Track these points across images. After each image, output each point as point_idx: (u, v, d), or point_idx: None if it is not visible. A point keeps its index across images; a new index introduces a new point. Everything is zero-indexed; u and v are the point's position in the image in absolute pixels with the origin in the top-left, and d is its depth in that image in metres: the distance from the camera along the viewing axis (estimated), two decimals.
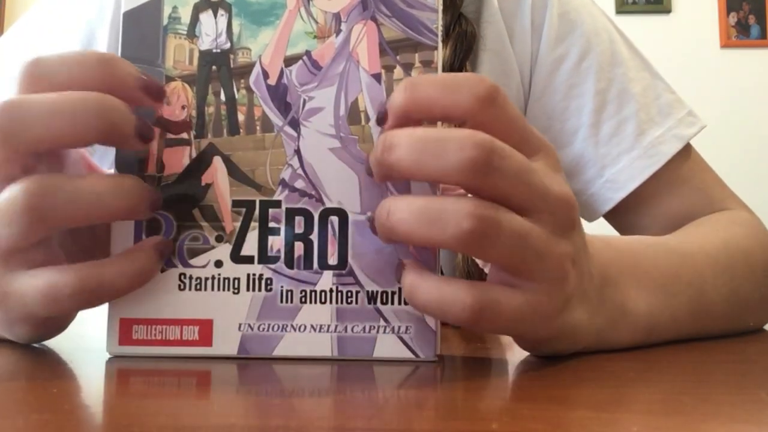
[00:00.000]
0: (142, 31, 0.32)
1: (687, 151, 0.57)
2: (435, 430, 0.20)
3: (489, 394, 0.26)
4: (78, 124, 0.27)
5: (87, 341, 0.37)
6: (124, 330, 0.31)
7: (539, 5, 0.59)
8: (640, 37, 0.71)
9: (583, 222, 0.67)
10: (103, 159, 0.46)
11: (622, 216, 0.58)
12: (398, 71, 0.32)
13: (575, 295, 0.30)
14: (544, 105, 0.59)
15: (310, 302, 0.31)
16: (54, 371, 0.30)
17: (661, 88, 0.59)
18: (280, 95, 0.32)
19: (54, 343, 0.34)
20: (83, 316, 0.33)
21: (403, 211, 0.27)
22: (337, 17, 0.32)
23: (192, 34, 0.32)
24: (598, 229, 0.58)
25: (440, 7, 0.32)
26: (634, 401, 0.25)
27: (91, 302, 0.29)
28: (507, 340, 0.39)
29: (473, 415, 0.22)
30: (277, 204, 0.31)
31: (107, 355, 0.31)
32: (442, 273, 0.32)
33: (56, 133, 0.27)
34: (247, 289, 0.31)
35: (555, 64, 0.58)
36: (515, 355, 0.34)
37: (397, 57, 0.32)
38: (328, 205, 0.31)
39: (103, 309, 0.31)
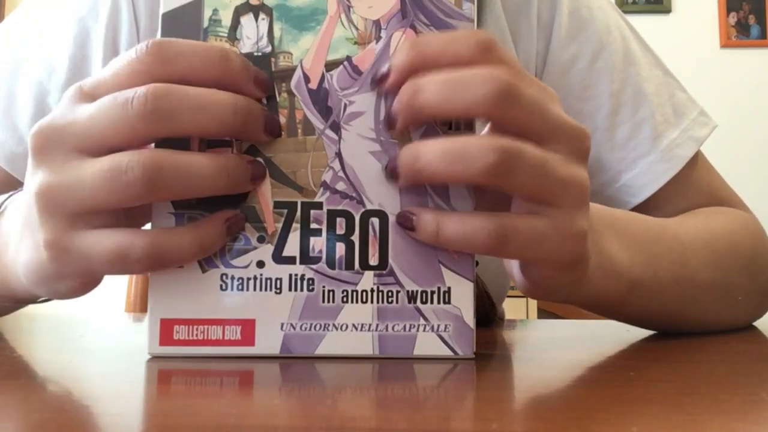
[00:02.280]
0: (181, 32, 0.32)
1: (697, 152, 0.57)
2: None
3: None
4: (221, 121, 0.29)
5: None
6: (165, 330, 0.32)
7: (547, 3, 0.58)
8: None
9: None
10: None
11: None
12: None
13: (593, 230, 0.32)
14: None
15: (352, 302, 0.32)
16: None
17: (674, 86, 0.59)
18: (321, 99, 0.32)
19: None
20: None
21: (429, 153, 0.29)
22: (377, 24, 0.33)
23: (233, 36, 0.33)
24: None
25: (475, 17, 0.33)
26: (634, 401, 0.25)
27: (156, 267, 0.30)
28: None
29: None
30: (319, 205, 0.32)
31: (147, 356, 0.32)
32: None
33: (201, 126, 0.29)
34: (290, 289, 0.32)
35: (567, 65, 0.57)
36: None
37: None
38: (369, 207, 0.32)
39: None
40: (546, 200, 0.30)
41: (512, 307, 2.21)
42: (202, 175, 0.29)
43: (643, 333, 0.44)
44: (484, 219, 0.29)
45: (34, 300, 0.37)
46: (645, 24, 2.55)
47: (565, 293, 0.34)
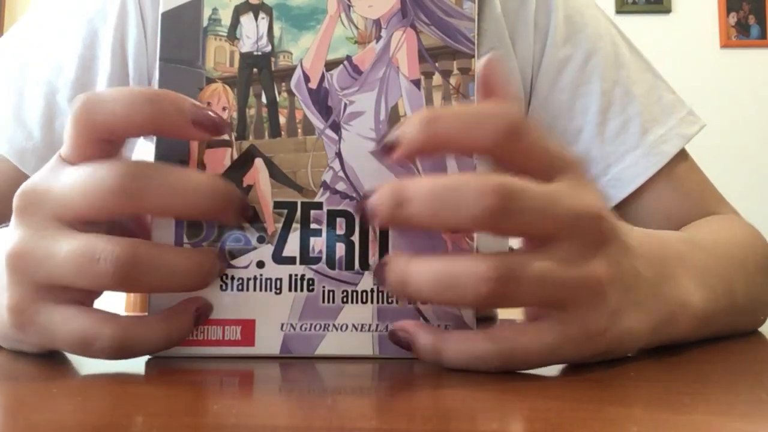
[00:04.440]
0: (181, 31, 0.32)
1: (684, 152, 0.60)
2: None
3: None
4: (195, 205, 0.28)
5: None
6: None
7: (543, 9, 0.61)
8: (640, 37, 0.72)
9: None
10: None
11: (622, 214, 0.60)
12: (437, 78, 0.32)
13: (622, 307, 0.29)
14: (550, 104, 0.61)
15: (352, 302, 0.32)
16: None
17: (663, 89, 0.62)
18: (321, 99, 0.32)
19: None
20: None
21: (419, 276, 0.27)
22: (377, 24, 0.33)
23: (233, 36, 0.33)
24: None
25: (476, 16, 0.33)
26: (634, 401, 0.25)
27: (121, 357, 0.29)
28: None
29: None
30: (319, 206, 0.32)
31: (146, 356, 0.31)
32: None
33: (174, 209, 0.28)
34: (290, 290, 0.31)
35: (561, 65, 0.60)
36: None
37: (436, 64, 0.32)
38: None
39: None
40: (555, 309, 0.28)
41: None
42: (177, 274, 0.28)
43: None
44: (487, 340, 0.28)
45: None
46: (645, 24, 2.56)
47: (615, 356, 0.32)
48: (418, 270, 0.27)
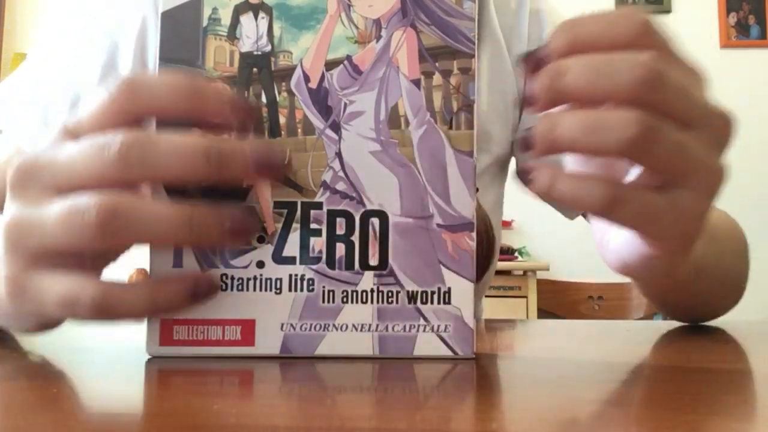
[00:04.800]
0: (181, 31, 0.32)
1: None
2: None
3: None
4: (194, 167, 0.28)
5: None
6: (164, 330, 0.31)
7: (535, 25, 0.69)
8: None
9: (581, 219, 0.69)
10: None
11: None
12: (437, 77, 0.32)
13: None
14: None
15: (352, 302, 0.32)
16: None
17: None
18: (321, 99, 0.32)
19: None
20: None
21: (567, 122, 0.28)
22: (377, 23, 0.33)
23: (232, 35, 0.33)
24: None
25: (476, 16, 0.33)
26: (634, 401, 0.25)
27: (104, 318, 0.29)
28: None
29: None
30: (319, 206, 0.32)
31: (146, 356, 0.32)
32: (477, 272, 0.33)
33: (174, 173, 0.28)
34: (290, 290, 0.31)
35: None
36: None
37: (436, 63, 0.32)
38: (369, 207, 0.32)
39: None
40: (677, 181, 0.29)
41: (512, 307, 2.21)
42: (160, 225, 0.27)
43: (642, 333, 0.44)
44: (603, 181, 0.28)
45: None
46: None
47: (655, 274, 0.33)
48: (567, 114, 0.28)
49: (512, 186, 0.75)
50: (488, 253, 0.62)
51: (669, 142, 0.28)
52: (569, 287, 2.07)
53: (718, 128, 0.30)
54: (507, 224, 2.51)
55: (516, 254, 2.45)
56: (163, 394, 0.26)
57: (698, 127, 0.29)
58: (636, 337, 0.43)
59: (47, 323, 0.32)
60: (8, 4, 2.54)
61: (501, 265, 2.10)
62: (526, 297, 2.21)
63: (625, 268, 0.34)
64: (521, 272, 2.25)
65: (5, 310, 0.31)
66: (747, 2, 2.53)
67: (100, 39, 0.64)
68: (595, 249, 0.64)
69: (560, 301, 2.10)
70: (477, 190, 0.33)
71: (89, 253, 0.30)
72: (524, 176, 0.29)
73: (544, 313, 2.12)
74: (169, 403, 0.24)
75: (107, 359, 0.34)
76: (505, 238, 2.42)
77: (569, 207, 0.30)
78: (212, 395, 0.25)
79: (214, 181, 0.28)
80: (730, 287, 0.50)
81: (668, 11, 2.55)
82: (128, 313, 0.29)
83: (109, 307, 0.28)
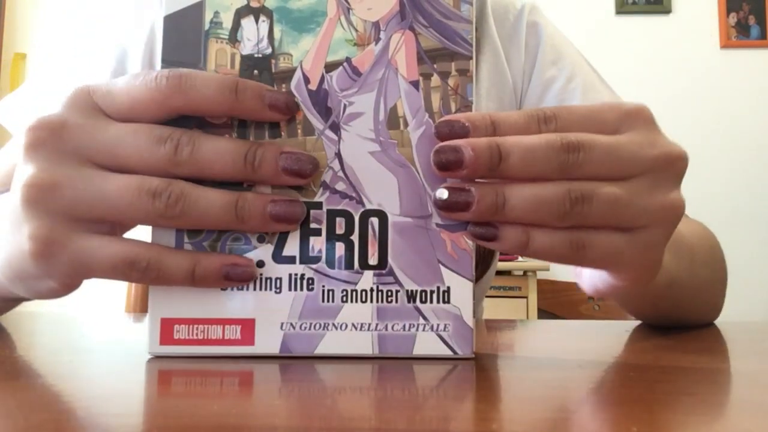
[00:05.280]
0: (183, 34, 0.33)
1: None
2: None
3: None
4: (228, 98, 0.30)
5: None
6: (165, 330, 0.32)
7: (533, 36, 0.72)
8: (640, 37, 0.77)
9: None
10: None
11: None
12: (435, 79, 0.33)
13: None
14: None
15: (351, 301, 0.32)
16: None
17: None
18: (320, 100, 0.33)
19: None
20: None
21: (515, 198, 0.30)
22: (376, 26, 0.33)
23: (233, 38, 0.33)
24: None
25: (474, 19, 0.33)
26: (634, 401, 0.25)
27: (153, 281, 0.31)
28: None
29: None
30: (319, 205, 0.32)
31: (147, 356, 0.32)
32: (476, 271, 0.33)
33: (212, 104, 0.31)
34: (289, 289, 0.32)
35: (547, 83, 0.70)
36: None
37: (435, 65, 0.33)
38: (368, 207, 0.32)
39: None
40: (628, 227, 0.32)
41: (512, 307, 2.21)
42: (212, 209, 0.30)
43: (642, 333, 0.44)
44: (564, 232, 0.31)
45: (12, 299, 0.38)
46: (645, 24, 2.56)
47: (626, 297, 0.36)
48: (514, 191, 0.30)
49: None
50: (489, 253, 0.63)
51: (602, 200, 0.30)
52: (569, 287, 2.06)
53: (663, 169, 0.32)
54: None
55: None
56: (164, 394, 0.27)
57: (638, 175, 0.31)
58: (636, 337, 0.43)
59: (72, 284, 0.32)
60: (8, 4, 2.54)
61: (501, 265, 2.10)
62: (526, 297, 2.21)
63: (598, 293, 0.36)
64: (521, 272, 2.25)
65: (20, 271, 0.31)
66: (747, 2, 2.53)
67: (109, 46, 0.67)
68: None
69: (560, 301, 2.10)
70: None
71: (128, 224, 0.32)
72: (488, 234, 0.31)
73: (544, 313, 2.11)
74: (169, 402, 0.25)
75: (108, 359, 0.34)
76: None
77: (543, 259, 0.32)
78: (212, 395, 0.26)
79: (246, 181, 0.31)
80: (706, 296, 0.51)
81: (668, 11, 2.55)
82: (171, 280, 0.31)
83: (159, 272, 0.30)
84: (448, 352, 0.32)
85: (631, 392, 0.27)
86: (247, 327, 0.32)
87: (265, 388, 0.28)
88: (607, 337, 0.45)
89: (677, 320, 0.48)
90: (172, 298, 0.32)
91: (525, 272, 2.25)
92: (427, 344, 0.32)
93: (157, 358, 0.32)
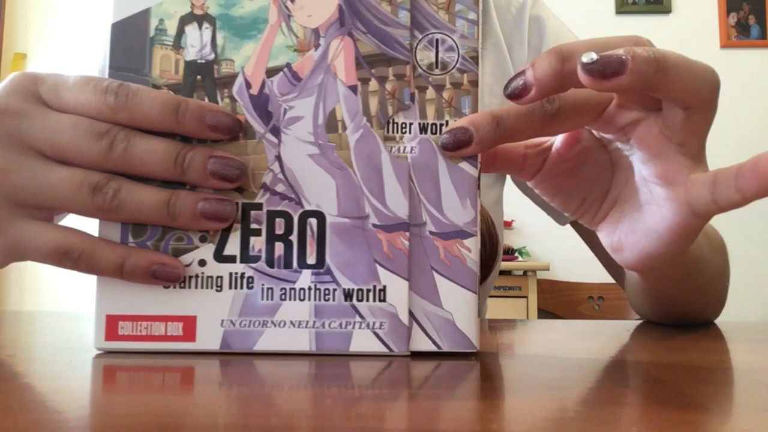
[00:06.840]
0: (129, 41, 0.34)
1: None
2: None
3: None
4: (169, 118, 0.32)
5: (75, 338, 0.38)
6: (110, 326, 0.33)
7: (536, 32, 0.72)
8: None
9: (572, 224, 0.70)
10: None
11: None
12: (373, 83, 0.34)
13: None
14: None
15: (290, 299, 0.33)
16: (41, 367, 0.32)
17: None
18: (261, 104, 0.34)
19: (41, 339, 0.35)
20: (76, 312, 0.34)
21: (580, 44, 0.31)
22: (316, 32, 0.34)
23: (178, 45, 0.34)
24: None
25: (410, 24, 0.34)
26: (634, 401, 0.25)
27: (85, 270, 0.32)
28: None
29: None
30: (259, 206, 0.33)
31: (94, 351, 0.33)
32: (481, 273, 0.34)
33: (155, 120, 0.32)
34: (230, 287, 0.33)
35: None
36: (505, 349, 0.35)
37: (372, 70, 0.34)
38: (307, 207, 0.33)
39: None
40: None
41: (512, 307, 2.22)
42: (146, 205, 0.32)
43: (643, 333, 0.44)
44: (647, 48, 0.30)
45: None
46: (645, 24, 2.56)
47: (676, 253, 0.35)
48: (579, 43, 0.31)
49: (512, 186, 0.76)
50: (492, 253, 0.63)
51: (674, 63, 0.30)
52: (569, 287, 2.07)
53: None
54: (507, 224, 2.51)
55: (516, 254, 2.45)
56: (164, 394, 0.26)
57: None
58: (636, 336, 0.43)
59: (2, 264, 0.34)
60: (8, 4, 2.56)
61: (501, 265, 2.09)
62: (526, 297, 2.21)
63: (649, 259, 0.35)
64: (521, 272, 2.26)
65: None
66: (747, 2, 2.52)
67: (98, 44, 0.69)
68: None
69: (560, 301, 2.10)
70: (479, 189, 0.34)
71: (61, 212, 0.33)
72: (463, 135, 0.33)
73: (544, 313, 2.12)
74: (169, 402, 0.24)
75: (108, 359, 0.35)
76: (506, 239, 2.42)
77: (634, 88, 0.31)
78: (212, 395, 0.25)
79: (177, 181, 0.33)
80: (719, 286, 0.52)
81: (668, 11, 2.54)
82: (101, 271, 0.32)
83: (89, 263, 0.32)
84: (383, 349, 0.33)
85: (631, 392, 0.26)
86: (189, 324, 0.33)
87: (205, 384, 0.28)
88: (607, 337, 0.44)
89: (693, 308, 0.48)
90: (118, 295, 0.33)
91: (525, 272, 2.25)
92: (363, 341, 0.33)
93: (103, 353, 0.33)
